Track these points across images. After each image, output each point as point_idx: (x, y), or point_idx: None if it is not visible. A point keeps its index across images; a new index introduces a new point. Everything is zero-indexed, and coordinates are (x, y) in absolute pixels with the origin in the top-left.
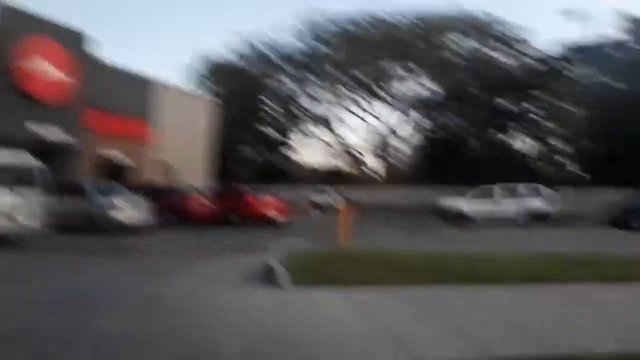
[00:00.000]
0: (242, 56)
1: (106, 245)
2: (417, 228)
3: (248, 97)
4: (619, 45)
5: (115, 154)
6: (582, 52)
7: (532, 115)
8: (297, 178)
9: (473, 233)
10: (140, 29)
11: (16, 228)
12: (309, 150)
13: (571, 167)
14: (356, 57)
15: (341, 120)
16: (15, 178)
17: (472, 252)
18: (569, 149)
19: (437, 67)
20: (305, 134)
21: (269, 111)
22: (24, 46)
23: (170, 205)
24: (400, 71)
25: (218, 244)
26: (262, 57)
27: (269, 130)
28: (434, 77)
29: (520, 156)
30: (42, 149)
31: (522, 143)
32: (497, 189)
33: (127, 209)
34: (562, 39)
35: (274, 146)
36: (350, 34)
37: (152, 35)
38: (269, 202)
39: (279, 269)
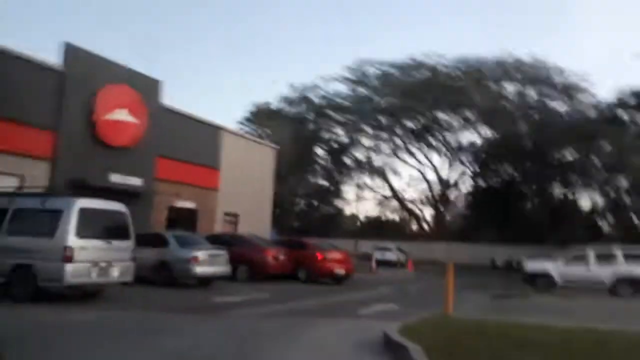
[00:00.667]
0: (296, 107)
1: (192, 301)
2: (504, 292)
3: (301, 148)
4: None
5: (186, 202)
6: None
7: (594, 167)
8: (349, 230)
9: (571, 302)
10: (197, 75)
11: (109, 283)
12: (362, 201)
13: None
14: (411, 107)
15: (395, 172)
16: (110, 229)
17: (609, 331)
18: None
19: (494, 117)
20: (358, 185)
21: (322, 162)
22: (105, 95)
23: (244, 257)
24: (456, 121)
25: (303, 304)
26: (315, 108)
27: (321, 181)
28: (490, 127)
29: (583, 211)
30: (120, 198)
31: (585, 197)
32: (591, 252)
33: (206, 261)
34: (620, 84)
35: (326, 197)
36: (405, 84)
37: (207, 82)
38: (336, 257)
39: (413, 348)
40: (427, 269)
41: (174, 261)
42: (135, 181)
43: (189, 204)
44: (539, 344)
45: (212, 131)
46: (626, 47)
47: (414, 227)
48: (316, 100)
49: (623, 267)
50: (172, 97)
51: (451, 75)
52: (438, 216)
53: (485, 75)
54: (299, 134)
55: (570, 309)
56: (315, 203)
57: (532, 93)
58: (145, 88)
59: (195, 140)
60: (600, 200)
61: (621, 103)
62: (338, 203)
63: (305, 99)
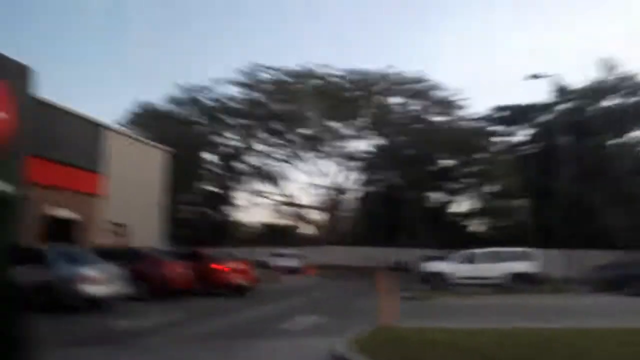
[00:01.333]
0: (185, 109)
1: (95, 330)
2: (411, 295)
3: (189, 152)
4: (545, 107)
5: (64, 211)
6: (514, 114)
7: (469, 175)
8: (243, 237)
9: (473, 301)
10: (78, 67)
11: None
12: (256, 208)
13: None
14: (304, 114)
15: (289, 178)
16: None
17: (542, 329)
18: (504, 206)
19: (381, 127)
20: (249, 191)
21: (211, 167)
22: None
23: (142, 273)
24: (345, 129)
25: (220, 323)
26: (206, 111)
27: (213, 188)
28: (378, 136)
29: (456, 216)
30: None
31: (459, 203)
32: (482, 253)
33: (99, 280)
34: (495, 101)
35: (217, 204)
36: (298, 91)
37: (84, 80)
38: (237, 267)
39: None
40: (328, 274)
41: (59, 282)
42: (2, 187)
43: (67, 213)
44: (495, 354)
45: (95, 130)
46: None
47: (309, 232)
48: (207, 102)
49: (508, 264)
50: (47, 92)
51: (341, 85)
52: (332, 221)
53: (372, 87)
54: (188, 138)
55: (479, 308)
56: (207, 211)
57: (414, 106)
58: (13, 76)
59: (74, 139)
60: (474, 205)
61: (492, 117)
62: (230, 210)
63: (194, 101)
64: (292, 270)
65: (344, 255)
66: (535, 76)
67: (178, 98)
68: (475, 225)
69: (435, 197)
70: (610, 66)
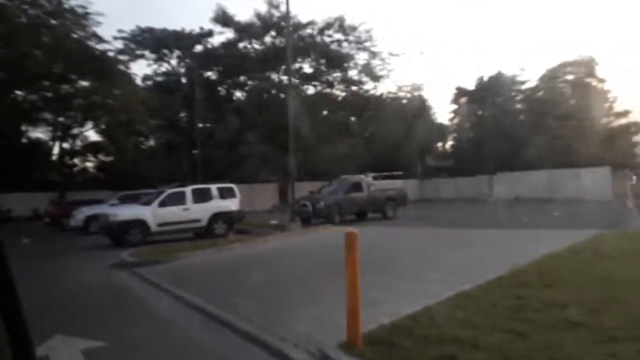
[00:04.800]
0: None
1: None
2: (133, 260)
3: None
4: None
5: None
6: (160, 39)
7: (93, 107)
8: None
9: (228, 253)
10: None
11: None
12: None
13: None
14: None
15: None
16: None
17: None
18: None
19: None
20: None
21: None
22: None
23: None
24: None
25: None
26: None
27: None
28: None
29: (64, 153)
30: None
31: (72, 138)
32: (188, 192)
33: None
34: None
35: None
36: None
37: None
38: None
39: None
40: None
41: None
42: None
43: None
44: None
45: None
46: None
47: None
48: None
49: (218, 203)
50: None
51: None
52: None
53: None
54: None
55: (268, 261)
56: None
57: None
58: None
59: None
60: (90, 140)
61: (135, 40)
62: None
63: None
64: None
65: None
66: None
67: None
68: (88, 164)
69: (40, 130)
70: (274, 4)
